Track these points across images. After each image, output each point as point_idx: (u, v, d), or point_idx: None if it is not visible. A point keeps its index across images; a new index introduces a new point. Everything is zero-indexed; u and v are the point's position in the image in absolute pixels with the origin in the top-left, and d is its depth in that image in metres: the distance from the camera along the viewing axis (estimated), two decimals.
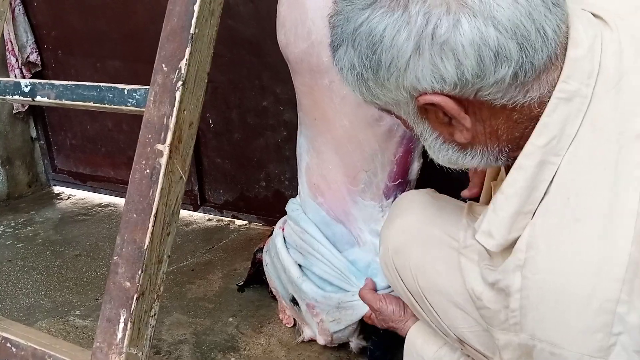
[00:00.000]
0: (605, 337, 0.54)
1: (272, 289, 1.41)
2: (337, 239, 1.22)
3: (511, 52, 0.53)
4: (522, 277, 0.58)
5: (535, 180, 0.58)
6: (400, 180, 1.19)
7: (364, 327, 1.21)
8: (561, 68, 0.57)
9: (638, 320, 0.53)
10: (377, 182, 1.16)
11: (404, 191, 1.19)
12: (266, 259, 1.38)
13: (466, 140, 0.61)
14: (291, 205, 1.30)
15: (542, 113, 0.58)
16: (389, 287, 1.10)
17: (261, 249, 1.44)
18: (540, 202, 0.59)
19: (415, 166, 1.20)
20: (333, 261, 1.20)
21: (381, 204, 1.19)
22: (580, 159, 0.57)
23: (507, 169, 0.64)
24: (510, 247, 0.61)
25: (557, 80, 0.57)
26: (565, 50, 0.57)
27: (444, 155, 0.65)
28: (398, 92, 0.59)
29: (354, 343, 1.25)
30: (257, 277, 1.52)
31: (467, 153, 0.63)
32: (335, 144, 1.16)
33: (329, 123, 1.14)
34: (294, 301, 1.29)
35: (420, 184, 1.23)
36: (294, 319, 1.38)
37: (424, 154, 1.24)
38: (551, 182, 0.58)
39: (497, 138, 0.61)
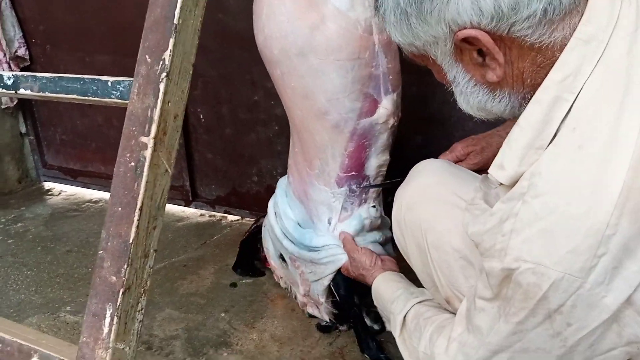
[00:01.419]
0: (590, 258, 0.58)
1: (265, 250, 1.49)
2: (298, 217, 1.33)
3: None
4: (522, 202, 0.62)
5: (549, 114, 0.63)
6: (353, 172, 1.24)
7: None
8: (582, 14, 0.63)
9: (621, 239, 0.57)
10: (328, 171, 1.25)
11: (359, 184, 1.26)
12: (265, 221, 1.48)
13: (498, 78, 0.66)
14: (281, 179, 1.44)
15: None
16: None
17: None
18: (551, 140, 0.62)
19: (373, 162, 1.25)
20: (295, 233, 1.32)
21: (333, 191, 1.27)
22: (590, 97, 0.61)
23: None
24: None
25: (578, 24, 0.63)
26: (587, 1, 0.63)
27: (474, 99, 0.70)
28: (438, 27, 0.64)
29: (324, 307, 1.33)
30: (252, 241, 1.58)
31: (496, 95, 0.68)
32: (296, 129, 1.25)
33: (289, 110, 1.24)
34: (282, 258, 1.39)
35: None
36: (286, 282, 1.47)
37: (392, 151, 1.27)
38: (563, 121, 0.62)
39: (522, 82, 0.66)
